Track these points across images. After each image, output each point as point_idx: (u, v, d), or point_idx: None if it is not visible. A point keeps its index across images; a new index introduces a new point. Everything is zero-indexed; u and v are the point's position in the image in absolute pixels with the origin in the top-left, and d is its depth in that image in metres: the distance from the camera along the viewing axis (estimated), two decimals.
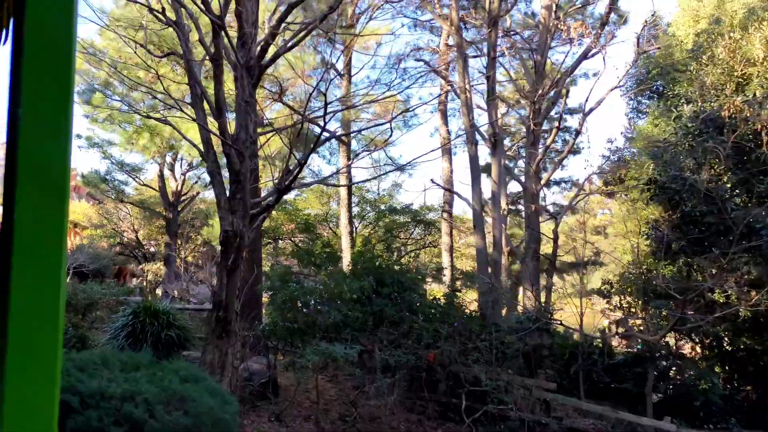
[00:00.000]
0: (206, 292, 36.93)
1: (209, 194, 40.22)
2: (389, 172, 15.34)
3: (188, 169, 31.87)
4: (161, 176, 32.44)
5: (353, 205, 24.12)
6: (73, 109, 0.82)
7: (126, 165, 30.62)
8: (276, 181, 8.99)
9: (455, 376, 9.44)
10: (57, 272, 0.78)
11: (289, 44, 8.48)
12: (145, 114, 10.01)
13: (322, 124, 9.15)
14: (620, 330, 11.67)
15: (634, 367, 11.16)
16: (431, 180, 19.99)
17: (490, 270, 13.05)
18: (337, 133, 15.50)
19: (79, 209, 53.16)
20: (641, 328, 10.99)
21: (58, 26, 0.81)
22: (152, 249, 38.02)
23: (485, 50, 15.04)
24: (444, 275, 18.66)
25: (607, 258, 20.37)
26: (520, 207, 22.03)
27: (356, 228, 23.28)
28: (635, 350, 11.90)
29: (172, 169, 32.72)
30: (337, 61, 17.06)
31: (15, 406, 0.75)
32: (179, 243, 35.17)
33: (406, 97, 18.25)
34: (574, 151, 20.04)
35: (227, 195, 8.54)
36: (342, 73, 18.58)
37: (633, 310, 11.28)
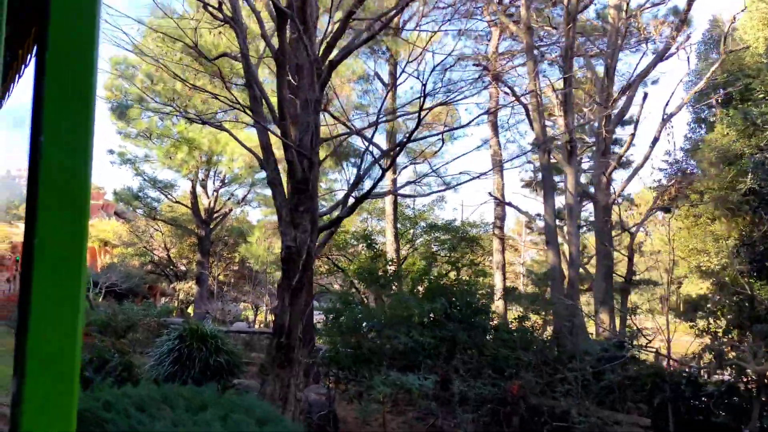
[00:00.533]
0: (238, 311, 36.18)
1: (242, 211, 39.60)
2: (446, 189, 14.24)
3: (221, 186, 31.28)
4: (193, 193, 31.91)
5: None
6: (94, 133, 0.84)
7: (158, 181, 30.03)
8: (346, 190, 8.00)
9: (538, 411, 8.29)
10: (77, 289, 0.82)
11: (362, 38, 7.54)
12: (197, 119, 9.10)
13: (369, 135, 8.10)
14: (712, 357, 10.38)
15: (730, 399, 9.87)
16: (489, 194, 18.95)
17: (562, 290, 11.84)
18: (382, 147, 14.58)
19: (109, 227, 53.02)
20: (739, 355, 9.70)
21: (80, 51, 0.84)
22: (183, 267, 37.38)
23: (541, 54, 13.96)
24: (500, 295, 17.47)
25: (657, 276, 18.93)
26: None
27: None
28: (730, 380, 10.58)
29: (204, 186, 32.22)
30: (376, 70, 16.17)
31: (35, 410, 0.77)
32: (212, 261, 34.49)
33: (454, 107, 17.28)
34: (624, 164, 18.79)
35: (289, 207, 7.59)
36: (387, 83, 17.71)
37: (730, 335, 10.01)
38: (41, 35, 0.83)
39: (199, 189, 32.63)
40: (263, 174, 32.50)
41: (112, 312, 13.75)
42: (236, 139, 8.50)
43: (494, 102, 18.33)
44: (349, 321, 8.49)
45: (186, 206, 32.65)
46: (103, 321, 13.59)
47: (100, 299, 27.61)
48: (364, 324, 8.56)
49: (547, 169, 13.17)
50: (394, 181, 16.81)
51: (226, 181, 31.44)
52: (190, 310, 35.29)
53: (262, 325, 32.83)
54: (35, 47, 0.98)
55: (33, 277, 0.78)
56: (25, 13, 0.98)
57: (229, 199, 31.83)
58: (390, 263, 12.91)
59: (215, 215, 32.15)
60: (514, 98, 14.54)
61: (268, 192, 32.91)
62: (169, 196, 31.13)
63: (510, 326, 10.02)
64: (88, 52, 0.83)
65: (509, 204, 17.77)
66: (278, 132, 7.82)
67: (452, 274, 11.61)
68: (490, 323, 9.39)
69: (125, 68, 32.46)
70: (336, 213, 8.58)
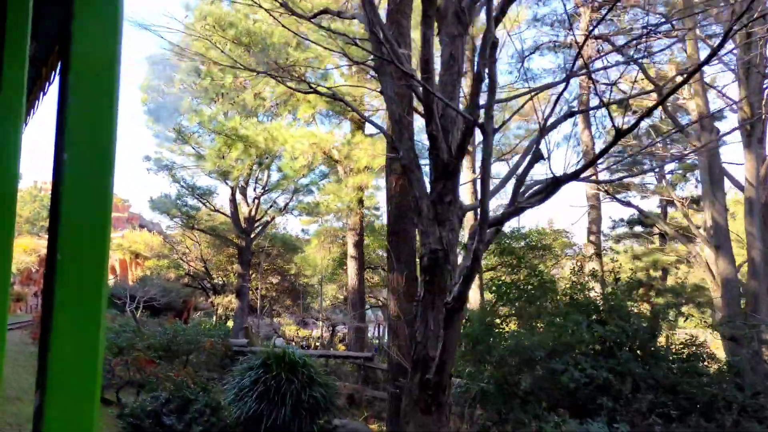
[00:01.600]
0: (277, 326, 34.05)
1: (283, 220, 37.83)
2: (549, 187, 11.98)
3: (262, 193, 29.43)
4: (233, 200, 30.21)
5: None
6: (116, 151, 0.87)
7: (198, 188, 28.29)
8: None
9: None
10: (98, 304, 0.84)
11: None
12: (308, 85, 7.15)
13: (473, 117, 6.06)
14: None
15: None
16: (606, 192, 16.61)
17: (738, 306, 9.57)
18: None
19: (140, 239, 51.54)
20: None
21: (103, 69, 0.86)
22: (221, 280, 35.51)
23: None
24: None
25: None
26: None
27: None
28: None
29: (244, 193, 30.41)
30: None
31: (57, 424, 0.81)
32: (253, 273, 32.60)
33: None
34: None
35: (431, 199, 5.60)
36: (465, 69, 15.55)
37: None
38: (64, 53, 0.84)
39: (238, 197, 30.77)
40: (306, 179, 30.30)
41: (173, 333, 11.80)
42: (353, 108, 6.43)
43: (586, 91, 16.15)
44: (494, 349, 6.34)
45: (225, 215, 30.88)
46: (162, 344, 11.66)
47: (138, 314, 25.82)
48: (519, 353, 6.40)
49: (714, 156, 10.88)
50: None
51: (267, 187, 29.49)
52: (229, 323, 33.37)
53: (314, 343, 30.43)
54: (59, 64, 0.90)
55: (55, 292, 0.80)
56: (48, 29, 0.98)
57: (270, 206, 29.88)
58: (537, 273, 10.72)
59: (256, 224, 30.18)
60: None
61: (309, 198, 30.92)
62: (207, 204, 29.31)
63: (670, 350, 7.76)
64: (111, 70, 0.86)
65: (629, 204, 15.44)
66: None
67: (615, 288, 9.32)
68: (666, 351, 7.16)
69: (163, 69, 30.67)
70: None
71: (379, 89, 6.83)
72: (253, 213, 31.14)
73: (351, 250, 23.34)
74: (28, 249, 35.62)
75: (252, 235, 31.75)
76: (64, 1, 0.83)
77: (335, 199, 24.39)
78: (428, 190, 6.47)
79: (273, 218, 31.91)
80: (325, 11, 7.95)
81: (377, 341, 30.57)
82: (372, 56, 6.64)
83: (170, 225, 35.26)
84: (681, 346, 8.45)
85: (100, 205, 0.84)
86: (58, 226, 0.81)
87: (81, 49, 0.83)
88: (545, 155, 5.70)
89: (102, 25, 0.85)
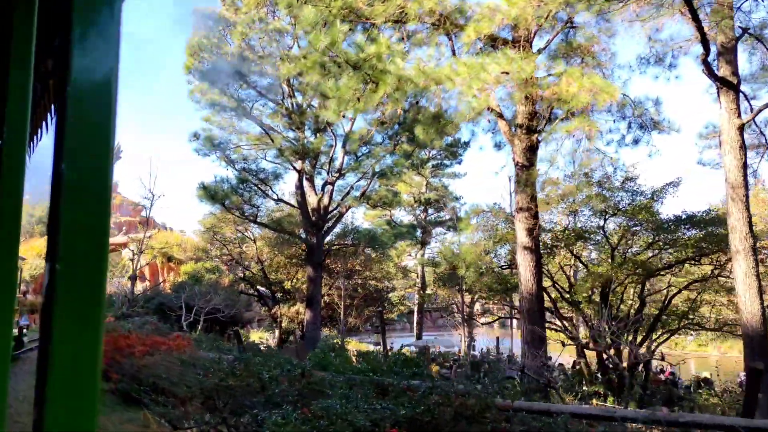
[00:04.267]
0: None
1: (364, 211, 32.19)
2: None
3: (337, 177, 23.68)
4: (300, 187, 24.56)
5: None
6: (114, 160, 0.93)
7: (260, 171, 22.69)
8: None
9: None
10: (98, 315, 0.86)
11: None
12: None
13: None
14: None
15: None
16: None
17: None
18: None
19: (173, 239, 45.59)
20: None
21: (102, 79, 0.90)
22: (283, 286, 29.67)
23: None
24: None
25: None
26: None
27: None
28: None
29: (311, 179, 24.70)
30: None
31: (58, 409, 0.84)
32: (327, 278, 26.89)
33: None
34: None
35: None
36: None
37: None
38: (63, 63, 0.88)
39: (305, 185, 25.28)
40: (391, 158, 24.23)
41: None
42: None
43: None
44: None
45: (291, 205, 25.17)
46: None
47: (199, 328, 20.17)
48: None
49: None
50: None
51: (343, 170, 23.82)
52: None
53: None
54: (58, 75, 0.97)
55: (55, 302, 0.83)
56: (54, 41, 0.99)
57: (347, 194, 24.17)
58: None
59: (329, 217, 24.47)
60: None
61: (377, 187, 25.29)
62: (270, 192, 23.73)
63: None
64: (109, 82, 0.90)
65: None
66: None
67: None
68: None
69: (215, 24, 24.96)
70: None
71: None
72: (327, 202, 25.36)
73: (522, 238, 16.90)
74: (42, 252, 30.28)
75: (323, 230, 25.95)
76: (64, 13, 0.89)
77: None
78: None
79: (348, 209, 26.14)
80: None
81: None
82: None
83: (215, 221, 29.52)
84: None
85: (98, 215, 0.87)
86: (58, 237, 0.86)
87: (80, 61, 0.88)
88: None
89: (101, 36, 0.90)
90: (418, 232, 37.43)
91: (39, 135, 1.62)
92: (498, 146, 22.86)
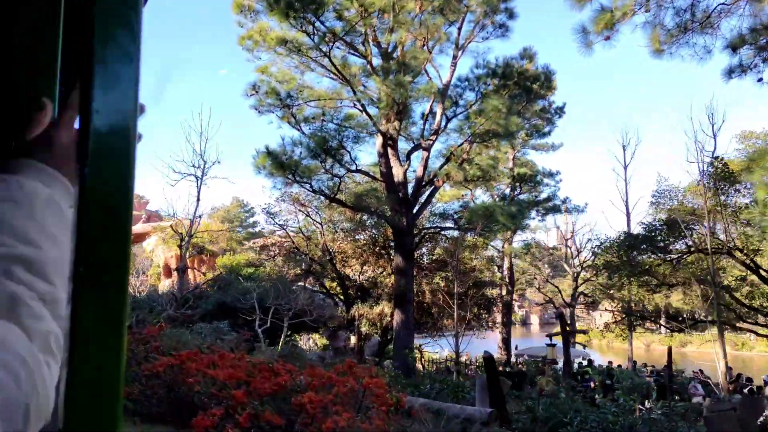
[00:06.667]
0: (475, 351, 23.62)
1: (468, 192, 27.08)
2: None
3: (434, 140, 18.37)
4: (383, 155, 19.31)
5: None
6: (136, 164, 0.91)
7: (344, 129, 17.36)
8: None
9: None
10: (121, 318, 0.83)
11: None
12: None
13: None
14: None
15: None
16: None
17: None
18: None
19: (204, 227, 40.40)
20: None
21: (123, 88, 0.89)
22: (361, 282, 24.24)
23: None
24: None
25: None
26: None
27: None
28: None
29: (394, 146, 19.38)
30: None
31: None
32: (422, 273, 21.43)
33: None
34: None
35: None
36: None
37: None
38: (86, 70, 0.90)
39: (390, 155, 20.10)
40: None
41: None
42: None
43: None
44: None
45: (374, 177, 19.82)
46: None
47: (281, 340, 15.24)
48: None
49: None
50: None
51: (442, 129, 18.45)
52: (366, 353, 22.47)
53: None
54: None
55: (78, 302, 0.85)
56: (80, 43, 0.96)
57: (446, 161, 18.88)
58: None
59: (422, 191, 19.04)
60: None
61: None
62: (347, 163, 18.37)
63: None
64: (130, 91, 0.89)
65: None
66: None
67: None
68: None
69: None
70: None
71: None
72: (420, 175, 19.89)
73: None
74: None
75: (415, 210, 20.58)
76: (86, 20, 0.90)
77: None
78: None
79: (442, 183, 20.55)
80: None
81: None
82: None
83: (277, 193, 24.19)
84: None
85: (121, 218, 0.87)
86: (79, 240, 0.87)
87: (101, 70, 0.88)
88: None
89: (122, 43, 0.90)
90: (533, 212, 32.19)
91: None
92: None
